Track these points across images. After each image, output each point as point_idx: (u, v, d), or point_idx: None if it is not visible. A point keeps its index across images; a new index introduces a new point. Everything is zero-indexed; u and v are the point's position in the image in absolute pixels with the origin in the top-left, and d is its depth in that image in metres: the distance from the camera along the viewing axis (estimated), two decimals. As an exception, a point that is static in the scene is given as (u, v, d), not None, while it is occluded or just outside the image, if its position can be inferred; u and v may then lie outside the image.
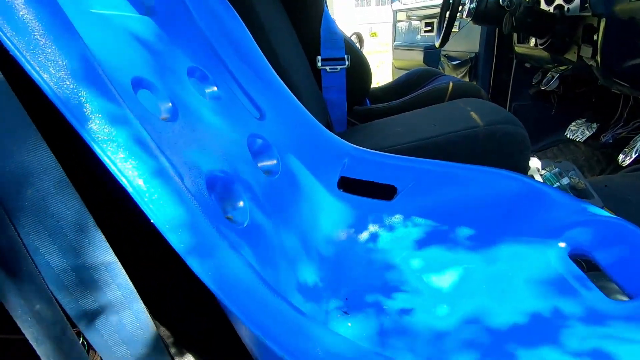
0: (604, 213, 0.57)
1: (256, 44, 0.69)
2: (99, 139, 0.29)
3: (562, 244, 0.57)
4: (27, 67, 0.25)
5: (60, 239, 0.28)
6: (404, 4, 2.50)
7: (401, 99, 1.31)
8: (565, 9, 1.27)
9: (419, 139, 0.83)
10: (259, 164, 0.60)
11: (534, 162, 1.10)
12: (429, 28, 2.24)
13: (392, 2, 2.49)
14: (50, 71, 0.26)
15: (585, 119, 1.53)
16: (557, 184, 0.95)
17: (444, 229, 0.71)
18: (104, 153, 0.29)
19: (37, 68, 0.25)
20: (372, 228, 0.74)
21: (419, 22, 2.33)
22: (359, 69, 1.20)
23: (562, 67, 1.50)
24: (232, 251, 0.33)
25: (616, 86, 1.18)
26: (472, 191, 0.71)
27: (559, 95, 1.64)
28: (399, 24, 2.52)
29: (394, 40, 2.59)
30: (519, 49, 1.65)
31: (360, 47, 8.63)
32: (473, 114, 0.86)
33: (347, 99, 1.19)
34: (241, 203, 0.47)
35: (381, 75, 5.44)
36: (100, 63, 0.35)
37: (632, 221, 0.96)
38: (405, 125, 0.94)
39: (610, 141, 1.34)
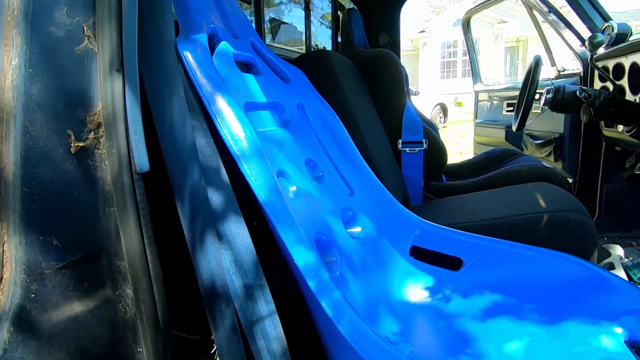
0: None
1: (349, 136, 0.92)
2: (279, 225, 0.52)
3: (618, 330, 0.62)
4: (245, 172, 0.50)
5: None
6: (485, 85, 2.65)
7: (476, 177, 1.43)
8: (651, 99, 1.30)
9: (484, 219, 0.94)
10: (348, 230, 0.79)
11: (617, 250, 1.08)
12: (511, 108, 2.33)
13: (474, 84, 2.66)
14: (257, 180, 0.50)
15: (688, 207, 1.41)
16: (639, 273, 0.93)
17: (507, 302, 0.79)
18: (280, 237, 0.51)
19: (249, 174, 0.50)
20: (439, 294, 0.85)
21: (500, 102, 2.44)
22: (435, 151, 1.37)
23: (658, 152, 1.46)
24: (337, 289, 0.51)
25: None
26: (535, 271, 0.79)
27: (657, 180, 1.55)
28: (480, 103, 2.66)
29: (476, 117, 2.71)
30: (607, 132, 1.64)
31: (444, 117, 8.77)
32: (540, 199, 0.95)
33: (423, 177, 1.35)
34: (334, 258, 0.66)
35: (465, 144, 5.45)
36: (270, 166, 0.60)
37: None
38: (474, 204, 1.05)
39: None
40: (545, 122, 2.03)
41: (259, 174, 0.51)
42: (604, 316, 0.65)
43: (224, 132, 0.51)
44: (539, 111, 2.03)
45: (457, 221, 0.97)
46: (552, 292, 0.75)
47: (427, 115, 8.10)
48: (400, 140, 1.36)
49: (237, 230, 0.49)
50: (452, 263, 0.87)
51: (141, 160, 0.38)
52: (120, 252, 0.40)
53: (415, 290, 0.85)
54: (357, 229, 0.81)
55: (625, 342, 0.60)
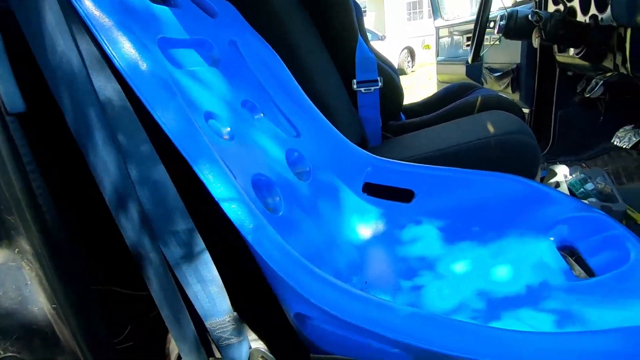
0: (593, 209, 0.64)
1: (293, 77, 0.87)
2: (196, 162, 0.48)
3: (552, 238, 0.65)
4: (154, 113, 0.45)
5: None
6: (445, 20, 2.58)
7: (434, 113, 1.42)
8: (599, 18, 1.29)
9: (435, 150, 0.94)
10: (295, 172, 0.77)
11: (562, 170, 1.13)
12: (470, 42, 2.29)
13: (434, 19, 2.59)
14: (167, 117, 0.45)
15: (633, 125, 1.48)
16: (582, 189, 0.98)
17: (455, 226, 0.81)
18: (199, 173, 0.47)
19: (159, 114, 0.45)
20: (392, 226, 0.87)
21: (460, 36, 2.39)
22: (391, 89, 1.33)
23: (607, 74, 1.49)
24: (269, 226, 0.50)
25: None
26: (480, 194, 0.81)
27: (605, 102, 1.61)
28: (441, 40, 2.60)
29: (437, 55, 2.66)
30: (559, 57, 1.65)
31: (412, 61, 8.63)
32: (489, 126, 0.95)
33: (381, 116, 1.33)
34: (277, 198, 0.65)
35: (432, 88, 5.43)
36: (187, 104, 0.55)
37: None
38: (428, 137, 1.05)
39: None
40: (503, 53, 2.01)
41: (170, 115, 0.47)
42: (541, 227, 0.68)
43: (124, 70, 0.45)
44: (498, 42, 2.01)
45: (410, 155, 0.97)
46: (496, 211, 0.77)
47: (395, 60, 7.93)
48: (354, 80, 1.31)
49: (156, 174, 0.46)
50: (404, 195, 0.88)
51: (11, 98, 0.33)
52: (7, 205, 0.36)
53: (369, 225, 0.86)
54: (305, 169, 0.80)
55: (557, 248, 0.64)
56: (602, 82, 1.51)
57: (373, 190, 0.90)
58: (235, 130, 0.65)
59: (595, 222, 0.60)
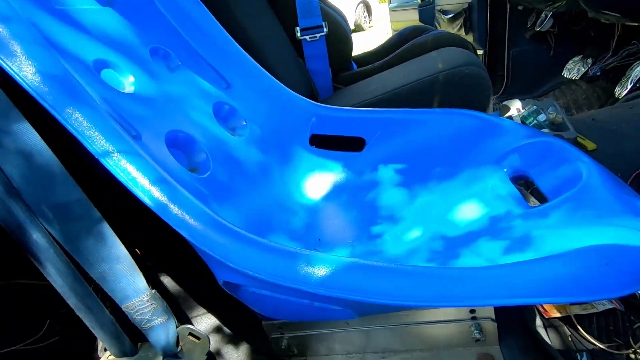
0: (542, 134, 0.61)
1: (217, 22, 0.76)
2: (64, 113, 0.38)
3: (505, 169, 0.62)
4: (11, 71, 0.34)
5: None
6: (395, -36, 2.44)
7: (385, 58, 1.34)
8: (547, -58, 1.23)
9: (385, 92, 0.88)
10: (227, 127, 0.69)
11: (515, 104, 1.11)
12: (421, -16, 2.19)
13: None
14: (26, 73, 0.35)
15: (581, 56, 1.48)
16: (535, 120, 0.96)
17: (409, 170, 0.77)
18: (70, 127, 0.37)
19: (16, 66, 0.35)
20: (345, 178, 0.81)
21: (411, -21, 2.28)
22: (338, 35, 1.23)
23: (555, 4, 1.45)
24: (177, 187, 0.42)
25: (604, 17, 1.15)
26: (432, 132, 0.76)
27: (555, 35, 1.59)
28: (393, -15, 2.47)
29: (390, 2, 2.55)
30: (510, -9, 1.60)
31: (369, 16, 8.34)
32: (439, 62, 0.89)
33: (331, 66, 1.24)
34: (203, 155, 0.56)
35: (390, 41, 5.27)
36: (63, 54, 0.44)
37: (611, 148, 0.97)
38: (379, 81, 0.98)
39: (598, 73, 1.30)
40: (455, -7, 1.94)
41: (33, 65, 0.36)
42: (494, 159, 0.65)
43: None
44: (448, -19, 1.92)
45: (359, 100, 0.90)
46: (448, 149, 0.73)
47: (351, 16, 7.63)
48: (297, 28, 1.20)
49: (25, 140, 0.36)
50: (355, 143, 0.82)
51: None
52: None
53: (320, 179, 0.80)
54: (240, 124, 0.71)
55: (511, 178, 0.61)
56: (551, 13, 1.48)
57: (321, 142, 0.83)
58: (141, 81, 0.54)
59: (545, 147, 0.57)
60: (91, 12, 0.55)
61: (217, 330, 0.58)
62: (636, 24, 1.09)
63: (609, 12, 1.10)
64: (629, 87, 1.19)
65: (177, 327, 0.44)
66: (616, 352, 0.62)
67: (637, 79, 1.21)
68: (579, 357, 0.58)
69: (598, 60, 1.34)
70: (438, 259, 0.54)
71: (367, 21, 8.27)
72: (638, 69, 1.18)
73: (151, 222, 0.41)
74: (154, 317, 0.42)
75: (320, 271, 0.33)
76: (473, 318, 0.52)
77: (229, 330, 0.61)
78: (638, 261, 0.35)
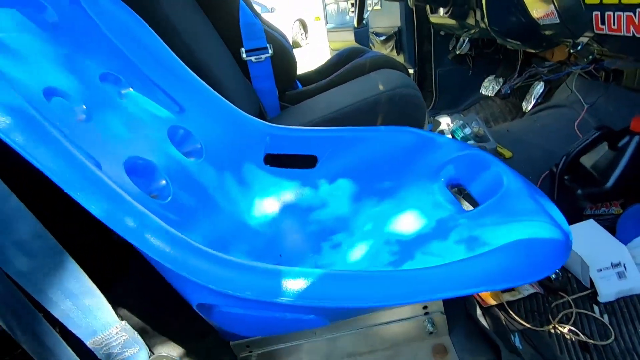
0: (470, 147, 0.71)
1: (166, 46, 0.76)
2: (29, 148, 0.37)
3: (442, 179, 0.71)
4: None
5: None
6: (330, -12, 2.59)
7: (328, 77, 1.42)
8: (460, -22, 1.42)
9: (332, 111, 0.94)
10: (183, 151, 0.69)
11: (444, 119, 1.25)
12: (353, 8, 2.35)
13: (319, -13, 2.58)
14: None
15: (494, 76, 1.71)
16: (462, 133, 1.10)
17: (358, 184, 0.83)
18: (35, 161, 0.36)
19: None
20: (300, 194, 0.85)
21: (345, 3, 2.44)
22: (283, 56, 1.28)
23: (471, 31, 1.66)
24: (147, 213, 0.42)
25: (509, 43, 1.35)
26: (378, 148, 0.83)
27: (472, 58, 1.81)
28: (328, 7, 2.62)
29: (327, 22, 2.68)
30: (433, 19, 1.79)
31: (306, 33, 8.62)
32: (379, 83, 0.99)
33: (277, 86, 1.28)
34: (163, 182, 0.56)
35: (328, 57, 5.47)
36: (12, 84, 0.43)
37: (523, 155, 1.14)
38: (325, 100, 1.05)
39: (509, 92, 1.52)
40: (385, 18, 2.11)
41: None
42: (432, 171, 0.74)
43: None
44: (379, 7, 2.09)
45: (309, 119, 0.95)
46: (392, 163, 0.81)
47: (289, 33, 7.82)
48: (242, 49, 1.22)
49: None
50: (308, 161, 0.87)
51: None
52: None
53: (276, 196, 0.83)
54: (196, 147, 0.71)
55: (447, 186, 0.70)
56: (467, 38, 1.69)
57: (276, 161, 0.86)
58: (94, 108, 0.53)
59: (473, 158, 0.66)
60: (34, 39, 0.53)
61: (188, 355, 0.57)
62: (533, 50, 1.30)
63: (511, 40, 1.30)
64: (533, 102, 1.41)
65: (150, 357, 0.43)
66: (540, 329, 0.74)
67: (538, 95, 1.44)
68: (512, 337, 0.68)
69: (507, 79, 1.57)
70: (395, 261, 0.60)
71: (304, 38, 8.53)
72: (538, 87, 1.41)
73: (123, 250, 0.41)
74: (124, 350, 0.42)
75: (297, 284, 0.36)
76: (426, 313, 0.58)
77: (198, 355, 0.60)
78: (548, 249, 0.44)
